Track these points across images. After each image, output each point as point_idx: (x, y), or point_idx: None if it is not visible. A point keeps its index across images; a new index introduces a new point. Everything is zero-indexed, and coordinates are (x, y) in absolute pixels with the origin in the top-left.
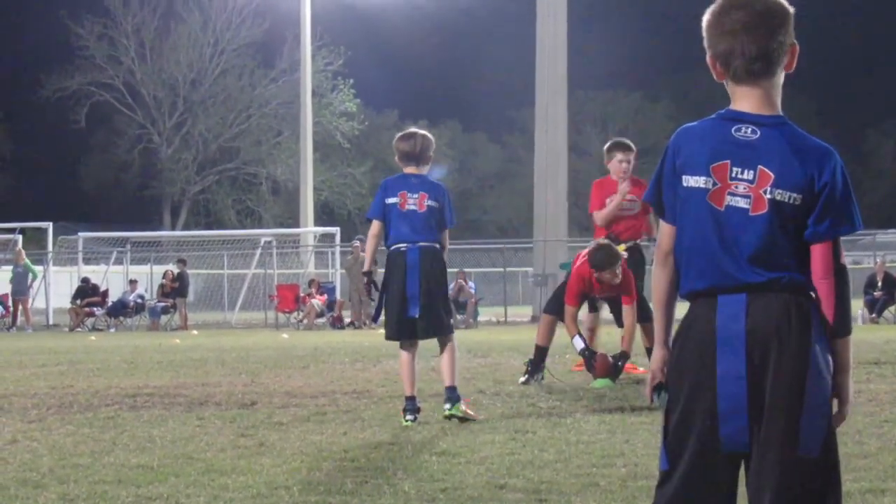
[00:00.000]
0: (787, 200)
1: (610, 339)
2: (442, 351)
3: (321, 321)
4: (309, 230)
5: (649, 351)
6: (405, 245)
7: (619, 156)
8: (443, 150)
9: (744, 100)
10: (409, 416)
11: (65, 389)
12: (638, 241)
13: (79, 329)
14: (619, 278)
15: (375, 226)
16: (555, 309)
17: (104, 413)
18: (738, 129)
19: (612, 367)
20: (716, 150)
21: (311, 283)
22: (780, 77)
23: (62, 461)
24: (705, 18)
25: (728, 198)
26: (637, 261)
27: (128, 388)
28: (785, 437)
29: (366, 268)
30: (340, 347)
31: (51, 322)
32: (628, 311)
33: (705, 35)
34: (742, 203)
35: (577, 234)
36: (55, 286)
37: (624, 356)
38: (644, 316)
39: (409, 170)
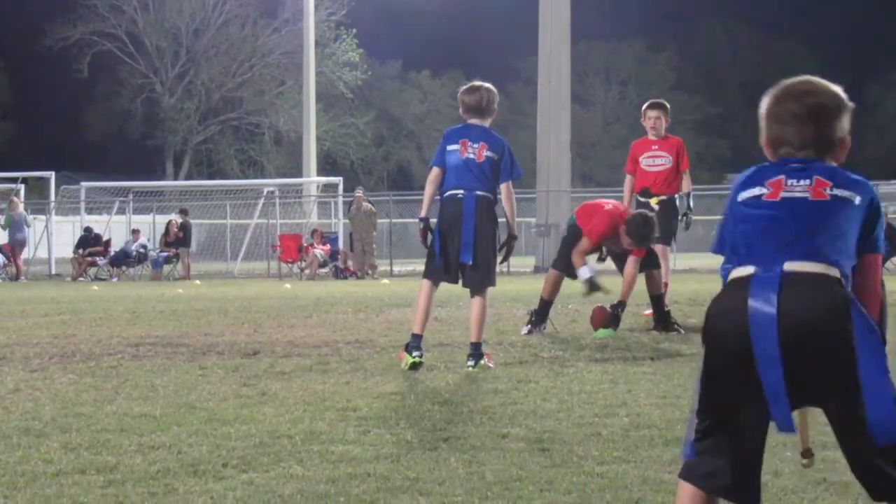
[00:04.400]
0: (847, 197)
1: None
2: (473, 302)
3: (324, 271)
4: (312, 180)
5: (654, 298)
6: (462, 192)
7: (649, 112)
8: (446, 101)
9: None
10: (415, 353)
11: (67, 339)
12: (672, 196)
13: (81, 278)
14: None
15: (434, 172)
16: (562, 265)
17: (106, 362)
18: (790, 161)
19: (611, 317)
20: (770, 171)
21: (313, 232)
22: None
23: (64, 410)
24: (763, 104)
25: (783, 193)
26: (669, 214)
27: (130, 337)
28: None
29: (423, 213)
30: (343, 297)
31: (53, 272)
32: (632, 262)
33: (761, 119)
34: (799, 194)
35: (579, 185)
36: (57, 236)
37: (622, 305)
38: (650, 263)
39: (473, 121)
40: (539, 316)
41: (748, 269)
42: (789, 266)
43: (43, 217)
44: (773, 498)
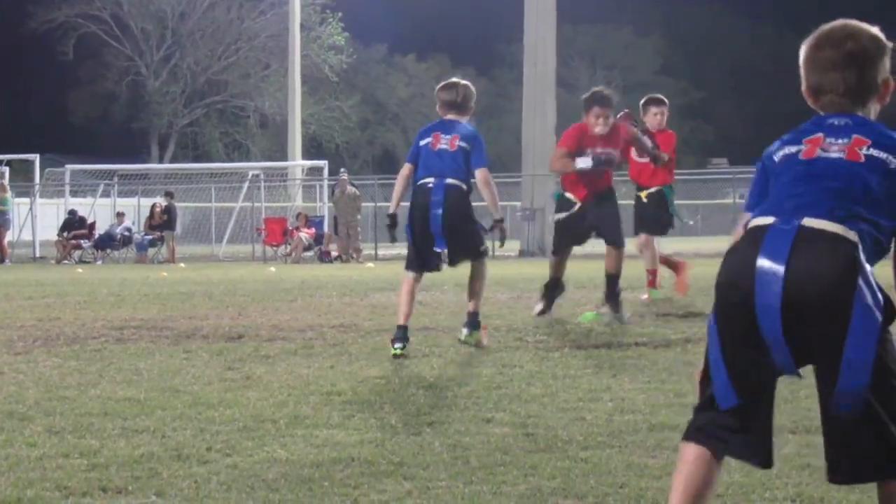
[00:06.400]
0: (884, 159)
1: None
2: (472, 274)
3: (309, 254)
4: (297, 163)
5: (609, 277)
6: (432, 181)
7: (653, 109)
8: (431, 85)
9: None
10: (397, 345)
11: (51, 322)
12: (660, 187)
13: (65, 261)
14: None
15: (406, 167)
16: (562, 245)
17: (91, 345)
18: (830, 118)
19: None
20: (809, 130)
21: (298, 216)
22: (873, 108)
23: (48, 393)
24: (802, 51)
25: (819, 151)
26: (657, 205)
27: (115, 320)
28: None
29: (391, 210)
30: (328, 281)
31: (37, 254)
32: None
33: (801, 66)
34: (835, 154)
35: None
36: (42, 218)
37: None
38: (614, 241)
39: (449, 117)
40: (549, 297)
41: (767, 219)
42: (808, 222)
43: (27, 200)
44: (758, 482)
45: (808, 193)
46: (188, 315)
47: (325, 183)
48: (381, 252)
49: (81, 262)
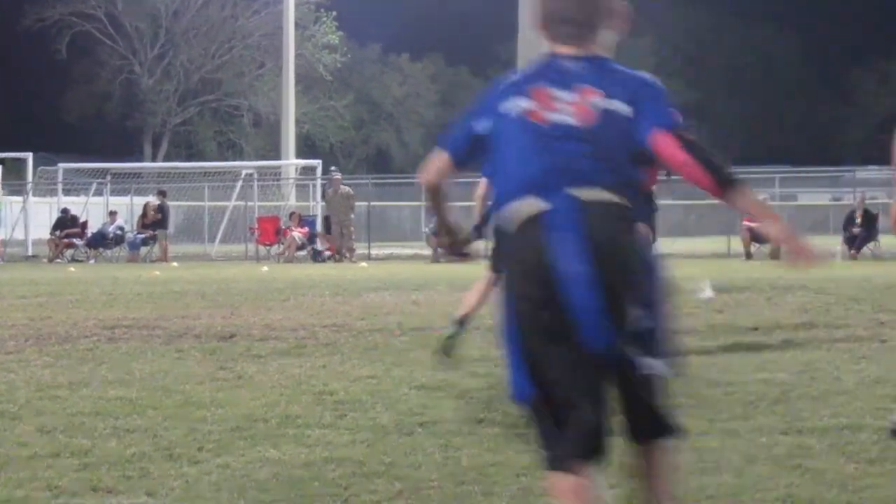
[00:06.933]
0: (616, 110)
1: None
2: None
3: (301, 254)
4: (290, 163)
5: None
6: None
7: None
8: (425, 84)
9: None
10: (451, 328)
11: (43, 321)
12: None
13: (58, 260)
14: None
15: (483, 186)
16: None
17: (82, 345)
18: (556, 61)
19: None
20: (533, 77)
21: (291, 215)
22: (608, 37)
23: (39, 393)
24: None
25: (550, 114)
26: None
27: (106, 319)
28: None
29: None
30: (321, 280)
31: (30, 253)
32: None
33: None
34: (567, 119)
35: None
36: (34, 217)
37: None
38: None
39: None
40: None
41: (533, 203)
42: (577, 193)
43: (20, 198)
44: (748, 484)
45: (558, 163)
46: (180, 314)
47: (319, 182)
48: (374, 252)
49: (74, 260)
